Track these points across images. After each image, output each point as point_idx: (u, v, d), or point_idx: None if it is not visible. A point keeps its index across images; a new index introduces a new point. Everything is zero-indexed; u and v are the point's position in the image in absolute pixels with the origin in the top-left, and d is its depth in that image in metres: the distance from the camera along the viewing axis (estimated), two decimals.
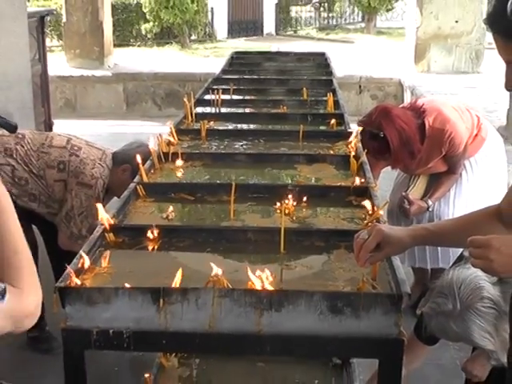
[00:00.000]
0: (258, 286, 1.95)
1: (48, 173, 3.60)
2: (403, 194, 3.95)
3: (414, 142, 3.64)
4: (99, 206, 2.42)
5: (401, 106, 4.29)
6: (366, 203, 2.54)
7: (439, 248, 3.89)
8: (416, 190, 4.05)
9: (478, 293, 2.23)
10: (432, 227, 2.11)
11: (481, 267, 1.59)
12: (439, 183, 3.96)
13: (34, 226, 3.91)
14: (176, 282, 1.98)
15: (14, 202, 3.60)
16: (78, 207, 3.53)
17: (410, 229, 2.10)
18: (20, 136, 3.71)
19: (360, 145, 3.33)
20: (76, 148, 3.64)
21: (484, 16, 1.70)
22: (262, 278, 1.98)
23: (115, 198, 3.58)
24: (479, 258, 1.57)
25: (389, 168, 4.07)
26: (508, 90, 1.69)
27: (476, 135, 3.91)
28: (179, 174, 3.16)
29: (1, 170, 3.58)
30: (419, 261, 4.13)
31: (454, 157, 3.84)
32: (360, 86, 10.08)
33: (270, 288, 1.96)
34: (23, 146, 3.65)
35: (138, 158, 2.97)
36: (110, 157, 3.71)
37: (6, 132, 3.77)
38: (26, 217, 3.70)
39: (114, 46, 11.34)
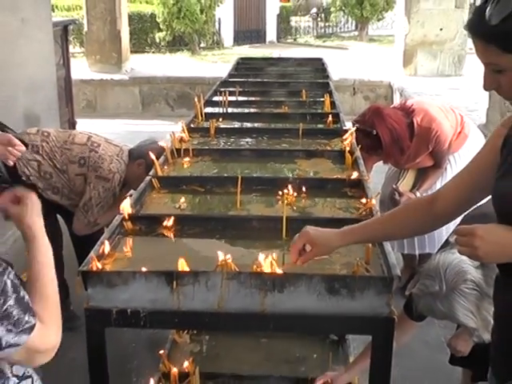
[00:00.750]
0: (267, 270, 1.95)
1: (70, 167, 3.59)
2: (394, 186, 3.94)
3: (403, 139, 3.64)
4: (126, 200, 2.42)
5: (391, 106, 4.28)
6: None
7: (426, 235, 3.88)
8: (405, 183, 4.04)
9: (462, 275, 2.22)
10: (359, 224, 2.08)
11: (466, 254, 1.58)
12: (426, 176, 3.95)
13: (58, 216, 3.91)
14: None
15: (40, 195, 3.62)
16: (96, 198, 3.53)
17: (338, 230, 2.04)
18: (45, 134, 3.70)
19: (354, 141, 3.33)
20: (96, 145, 3.63)
21: (465, 24, 1.70)
22: (271, 263, 1.98)
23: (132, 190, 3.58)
24: (465, 246, 1.56)
25: (381, 162, 4.06)
26: (485, 89, 1.67)
27: (459, 132, 3.90)
28: (190, 168, 3.15)
29: (28, 165, 3.58)
30: (408, 247, 4.12)
31: (440, 152, 3.83)
32: (354, 88, 10.07)
33: (276, 271, 1.96)
34: (48, 143, 3.65)
35: (152, 154, 2.97)
36: (127, 153, 3.70)
37: (33, 129, 3.79)
38: (51, 208, 3.71)
39: (131, 52, 11.32)
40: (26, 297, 1.35)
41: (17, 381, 1.43)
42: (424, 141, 3.74)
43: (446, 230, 3.30)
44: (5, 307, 1.29)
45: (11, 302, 1.30)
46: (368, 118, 3.63)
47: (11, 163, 2.70)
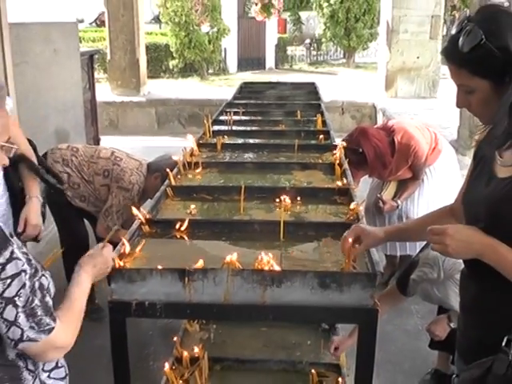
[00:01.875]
0: (266, 267, 1.96)
1: (96, 179, 3.60)
2: (378, 195, 3.95)
3: (386, 155, 3.64)
4: (134, 210, 2.42)
5: (375, 126, 4.28)
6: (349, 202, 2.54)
7: None
8: (388, 193, 4.05)
9: (458, 266, 2.23)
10: (399, 226, 2.20)
11: (438, 250, 1.58)
12: (406, 187, 3.95)
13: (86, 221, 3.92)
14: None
15: (69, 203, 3.61)
16: (117, 206, 3.53)
17: (383, 228, 2.18)
18: (75, 149, 3.72)
19: (343, 155, 3.33)
20: (118, 159, 3.64)
21: (438, 53, 1.74)
22: (268, 261, 1.98)
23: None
24: (437, 243, 1.57)
25: (367, 176, 4.07)
26: (458, 107, 1.68)
27: (434, 148, 3.91)
28: (200, 178, 3.16)
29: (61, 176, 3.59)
30: (390, 249, 4.13)
31: (418, 166, 3.83)
32: (342, 109, 10.07)
33: (275, 268, 1.96)
34: (77, 158, 3.66)
35: (167, 169, 2.98)
36: (145, 166, 3.71)
37: (63, 145, 3.80)
38: (79, 213, 3.72)
39: (148, 77, 11.32)
40: (50, 302, 1.36)
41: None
42: (404, 156, 3.75)
43: None
44: (33, 305, 1.30)
45: (37, 302, 1.31)
46: (355, 138, 3.64)
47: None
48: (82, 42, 12.55)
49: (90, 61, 7.20)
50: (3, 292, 1.26)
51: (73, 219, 3.77)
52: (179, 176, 3.13)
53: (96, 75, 8.35)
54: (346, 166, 3.16)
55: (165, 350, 3.16)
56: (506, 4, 4.17)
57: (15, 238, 1.33)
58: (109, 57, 10.58)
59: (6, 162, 1.43)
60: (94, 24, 21.64)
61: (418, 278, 2.53)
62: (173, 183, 2.93)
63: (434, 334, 2.79)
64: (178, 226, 2.41)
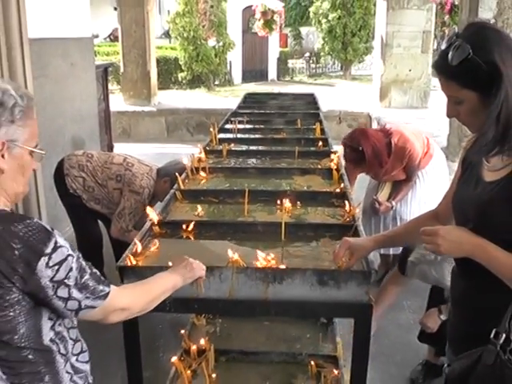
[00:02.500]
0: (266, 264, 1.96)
1: (109, 183, 3.61)
2: (374, 197, 3.96)
3: (383, 155, 3.65)
4: (149, 209, 2.43)
5: (373, 128, 4.29)
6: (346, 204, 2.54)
7: None
8: (383, 194, 4.05)
9: None
10: (387, 233, 2.19)
11: (431, 250, 1.60)
12: (400, 189, 3.95)
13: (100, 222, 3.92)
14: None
15: (84, 205, 3.62)
16: (129, 208, 3.53)
17: (371, 237, 2.16)
18: (90, 155, 3.73)
19: (341, 161, 3.34)
20: (130, 164, 3.65)
21: (429, 66, 1.77)
22: (268, 259, 1.99)
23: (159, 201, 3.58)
24: (429, 243, 1.58)
25: (363, 178, 4.08)
26: (448, 116, 1.69)
27: (426, 152, 3.91)
28: (206, 183, 3.16)
29: (75, 181, 3.60)
30: (384, 249, 4.11)
31: (411, 167, 3.83)
32: (339, 118, 10.06)
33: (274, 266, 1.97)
34: (92, 163, 3.67)
35: (176, 173, 2.99)
36: (155, 171, 3.71)
37: (79, 152, 3.81)
38: (94, 215, 3.73)
39: (158, 89, 11.33)
40: (98, 273, 1.42)
41: (72, 343, 1.47)
42: (399, 157, 3.75)
43: None
44: (83, 280, 1.36)
45: (87, 276, 1.37)
46: (355, 136, 3.65)
47: None
48: (97, 56, 12.56)
49: (105, 73, 7.22)
50: (53, 277, 1.31)
51: (88, 221, 3.78)
52: (187, 180, 3.14)
53: (110, 87, 8.37)
54: (343, 171, 3.17)
55: (174, 342, 3.17)
56: (493, 21, 4.17)
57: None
58: (122, 69, 10.59)
59: (35, 166, 1.46)
60: (108, 39, 21.70)
61: (416, 259, 2.54)
62: (182, 187, 2.94)
63: (426, 326, 2.79)
64: (186, 227, 2.42)
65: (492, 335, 1.54)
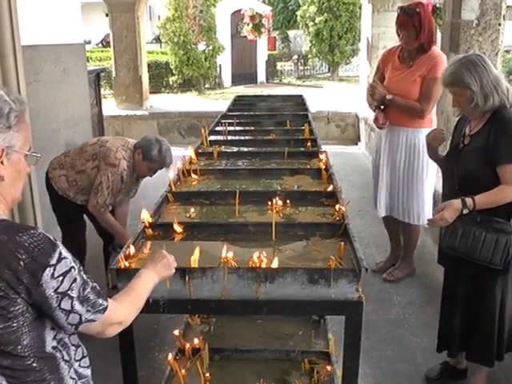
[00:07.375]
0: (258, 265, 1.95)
1: (87, 165, 3.52)
2: (371, 83, 3.97)
3: (428, 30, 3.69)
4: (144, 211, 2.40)
5: None
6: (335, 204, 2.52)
7: (415, 208, 3.92)
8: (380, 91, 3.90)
9: None
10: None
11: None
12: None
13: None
14: (195, 259, 1.98)
15: (73, 203, 3.54)
16: (106, 182, 3.41)
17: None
18: (67, 151, 3.74)
19: (328, 160, 3.34)
20: (104, 141, 3.60)
21: None
22: (260, 259, 1.98)
23: (150, 203, 3.51)
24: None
25: (361, 172, 4.05)
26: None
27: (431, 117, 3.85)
28: (198, 184, 3.15)
29: (59, 181, 3.57)
30: (397, 213, 4.02)
31: (430, 83, 3.70)
32: (327, 118, 10.06)
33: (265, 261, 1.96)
34: (69, 156, 3.64)
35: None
36: (132, 144, 3.63)
37: (59, 154, 3.79)
38: (80, 209, 3.65)
39: (150, 93, 11.29)
40: (98, 286, 1.41)
41: (74, 349, 1.46)
42: (428, 59, 3.73)
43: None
44: (85, 292, 1.35)
45: (89, 289, 1.36)
46: (416, 3, 3.75)
47: None
48: (89, 62, 12.53)
49: (97, 78, 7.19)
50: (58, 288, 1.29)
51: (75, 225, 3.72)
52: (179, 182, 3.13)
53: (102, 91, 8.34)
54: (332, 170, 3.17)
55: (168, 342, 3.15)
56: (476, 22, 4.17)
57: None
58: (114, 74, 10.56)
59: (29, 170, 1.44)
60: (100, 45, 21.67)
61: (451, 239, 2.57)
62: (173, 189, 2.92)
63: (443, 215, 2.45)
64: (178, 229, 2.40)
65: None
